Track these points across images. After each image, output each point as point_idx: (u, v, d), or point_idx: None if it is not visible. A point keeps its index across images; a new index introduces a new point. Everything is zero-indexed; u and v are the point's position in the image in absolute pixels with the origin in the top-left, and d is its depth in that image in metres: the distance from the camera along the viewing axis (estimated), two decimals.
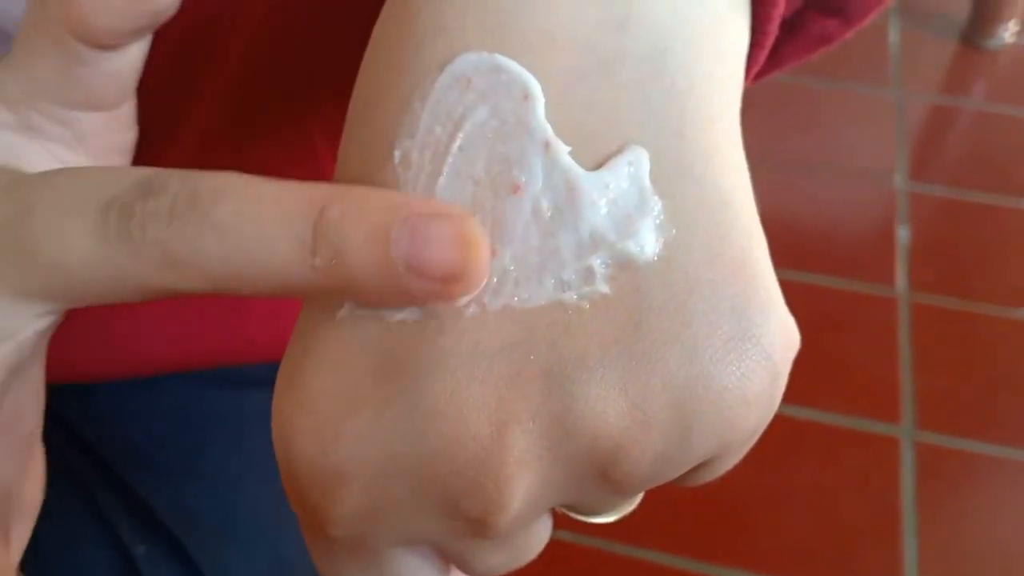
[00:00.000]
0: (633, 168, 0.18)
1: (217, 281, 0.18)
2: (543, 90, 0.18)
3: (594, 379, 0.18)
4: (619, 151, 0.19)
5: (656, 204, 0.18)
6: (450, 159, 0.19)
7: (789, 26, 0.30)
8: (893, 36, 1.74)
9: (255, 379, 0.47)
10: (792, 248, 1.31)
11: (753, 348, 0.18)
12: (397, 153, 0.19)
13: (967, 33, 1.74)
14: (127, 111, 0.25)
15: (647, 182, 0.18)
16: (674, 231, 0.18)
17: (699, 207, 0.18)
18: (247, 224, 0.17)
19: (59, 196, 0.19)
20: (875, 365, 1.21)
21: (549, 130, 0.18)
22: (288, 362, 0.20)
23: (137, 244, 0.18)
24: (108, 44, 0.22)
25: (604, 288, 0.18)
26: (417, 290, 0.17)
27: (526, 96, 0.18)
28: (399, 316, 0.18)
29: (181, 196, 0.18)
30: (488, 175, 0.18)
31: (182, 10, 0.32)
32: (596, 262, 0.18)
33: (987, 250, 1.38)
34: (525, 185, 0.18)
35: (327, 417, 0.18)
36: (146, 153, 0.37)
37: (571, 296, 0.18)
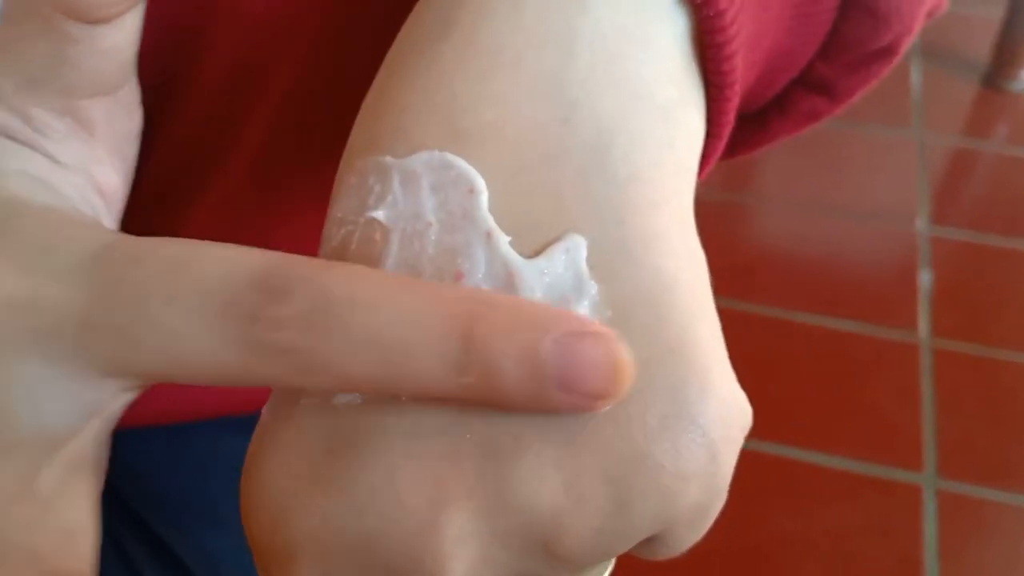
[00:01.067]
0: (570, 254, 0.19)
1: (354, 386, 0.18)
2: (489, 183, 0.19)
3: (529, 457, 0.18)
4: (557, 238, 0.19)
5: (592, 287, 0.19)
6: (395, 247, 0.20)
7: (779, 103, 0.31)
8: (915, 78, 1.74)
9: None
10: (813, 292, 1.31)
11: (688, 426, 0.19)
12: (344, 231, 0.20)
13: (989, 76, 1.74)
14: (129, 93, 0.24)
15: (583, 267, 0.19)
16: (609, 313, 0.19)
17: (636, 290, 0.19)
18: (392, 342, 0.17)
19: (168, 284, 0.19)
20: (897, 412, 1.20)
21: (491, 221, 0.19)
22: (252, 444, 0.20)
23: (266, 350, 0.18)
24: (100, 17, 0.21)
25: None
26: (565, 404, 0.18)
27: (471, 190, 0.19)
28: (346, 399, 0.19)
29: (313, 306, 0.18)
30: (433, 263, 0.19)
31: (219, 59, 0.32)
32: None
33: (1010, 295, 1.37)
34: (468, 272, 0.19)
35: (279, 496, 0.19)
36: (175, 204, 0.37)
37: None
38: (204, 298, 0.18)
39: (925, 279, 1.38)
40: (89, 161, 0.23)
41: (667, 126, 0.21)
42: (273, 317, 0.18)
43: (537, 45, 0.20)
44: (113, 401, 0.20)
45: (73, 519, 0.21)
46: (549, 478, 0.18)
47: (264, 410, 0.21)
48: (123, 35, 0.22)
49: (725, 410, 0.19)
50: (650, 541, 0.20)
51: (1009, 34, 1.70)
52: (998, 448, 1.17)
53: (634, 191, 0.20)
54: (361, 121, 0.22)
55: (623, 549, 0.20)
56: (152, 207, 0.32)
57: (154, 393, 0.45)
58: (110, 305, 0.19)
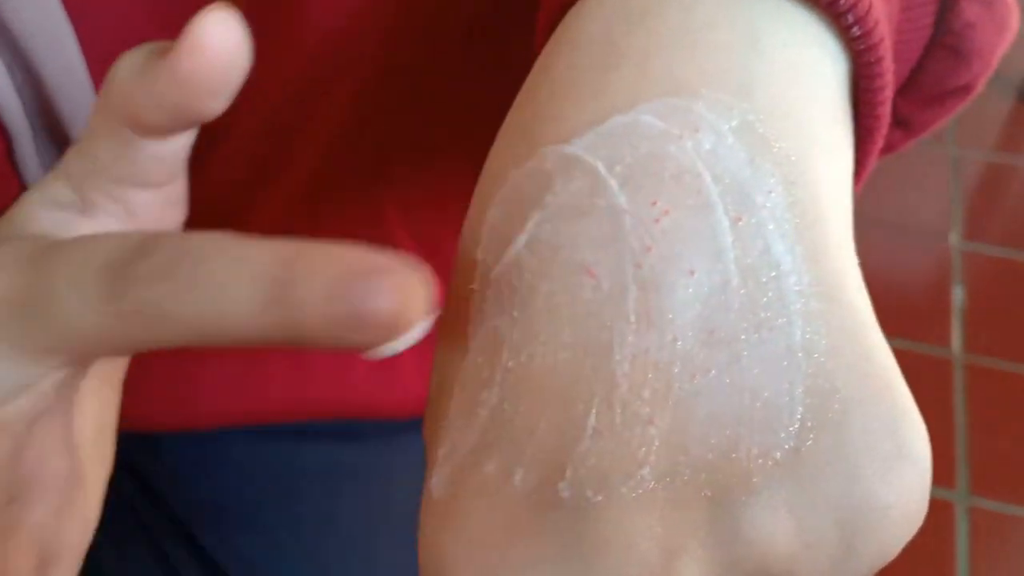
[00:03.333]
0: None
1: (190, 335, 0.19)
2: None
3: (760, 502, 0.18)
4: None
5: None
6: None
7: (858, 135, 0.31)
8: None
9: (314, 434, 0.49)
10: None
11: (911, 466, 0.18)
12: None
13: (1022, 92, 1.74)
14: (176, 189, 0.26)
15: None
16: (824, 342, 0.19)
17: (841, 328, 0.19)
18: (215, 285, 0.19)
19: (68, 259, 0.20)
20: (929, 427, 1.19)
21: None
22: (438, 490, 0.20)
23: (123, 301, 0.19)
24: (155, 135, 0.24)
25: None
26: (360, 337, 0.18)
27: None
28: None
29: (166, 260, 0.19)
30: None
31: (279, 75, 0.33)
32: None
33: None
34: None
35: (487, 548, 0.18)
36: (226, 221, 0.38)
37: None
38: (89, 265, 0.20)
39: (958, 295, 1.37)
40: None
41: (837, 168, 0.21)
42: (137, 274, 0.19)
43: (716, 85, 0.20)
44: (42, 379, 0.22)
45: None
46: (782, 523, 0.18)
47: (432, 483, 0.20)
48: (173, 147, 0.25)
49: (928, 445, 0.19)
50: None
51: None
52: None
53: (820, 231, 0.19)
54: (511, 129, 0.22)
55: None
56: (203, 223, 0.33)
57: (195, 397, 0.46)
58: (26, 287, 0.21)
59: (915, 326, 1.32)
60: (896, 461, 0.18)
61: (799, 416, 0.18)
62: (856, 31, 0.21)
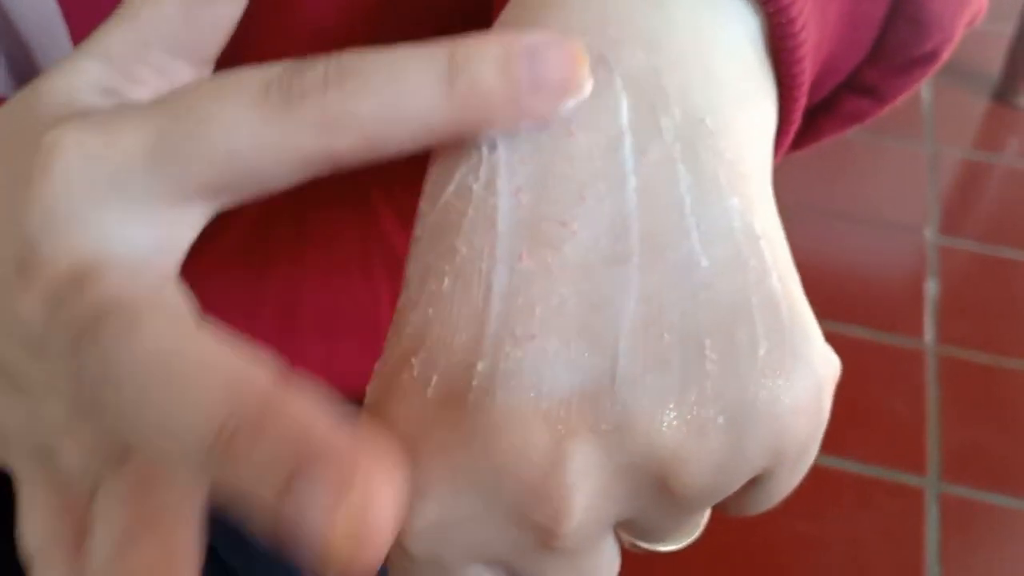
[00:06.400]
0: None
1: (370, 135, 0.20)
2: None
3: (649, 392, 0.19)
4: None
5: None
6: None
7: (826, 104, 0.32)
8: (926, 92, 1.75)
9: None
10: (822, 299, 1.32)
11: (797, 362, 0.20)
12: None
13: (999, 90, 1.76)
14: (210, 70, 0.27)
15: None
16: (712, 261, 0.20)
17: (740, 238, 0.20)
18: (392, 78, 0.20)
19: (218, 89, 0.21)
20: (902, 417, 1.22)
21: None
22: (374, 380, 0.22)
23: (296, 110, 0.20)
24: None
25: None
26: (540, 107, 0.20)
27: None
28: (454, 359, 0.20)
29: (331, 68, 0.20)
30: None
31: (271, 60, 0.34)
32: None
33: (1016, 305, 1.38)
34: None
35: (404, 438, 0.20)
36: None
37: None
38: (243, 88, 0.21)
39: (932, 288, 1.39)
40: None
41: (749, 115, 0.22)
42: (303, 84, 0.20)
43: (625, 41, 0.22)
44: (185, 232, 0.22)
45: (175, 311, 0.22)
46: (669, 413, 0.19)
47: (367, 392, 0.22)
48: (234, 10, 0.25)
49: (825, 353, 0.21)
50: (754, 486, 0.21)
51: (1020, 50, 1.71)
52: (1001, 453, 1.19)
53: (727, 167, 0.21)
54: None
55: (734, 487, 0.21)
56: None
57: None
58: (169, 128, 0.21)
59: (890, 318, 1.34)
60: (784, 358, 0.20)
61: (693, 322, 0.20)
62: None
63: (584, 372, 0.20)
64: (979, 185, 1.61)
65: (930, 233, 1.49)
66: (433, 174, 0.22)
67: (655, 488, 0.20)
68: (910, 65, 0.31)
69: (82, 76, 0.24)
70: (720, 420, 0.19)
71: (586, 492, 0.19)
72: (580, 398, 0.20)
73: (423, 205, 0.22)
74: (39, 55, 0.31)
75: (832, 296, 1.34)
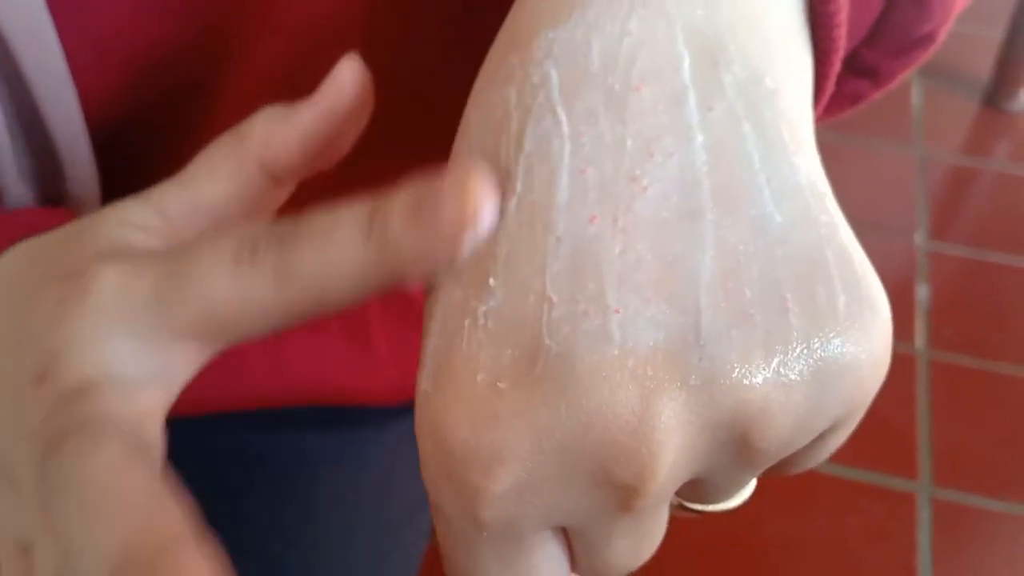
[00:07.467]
0: None
1: (315, 286, 0.22)
2: None
3: (735, 347, 0.19)
4: None
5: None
6: None
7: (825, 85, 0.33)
8: (916, 96, 1.76)
9: (293, 422, 0.49)
10: None
11: (874, 316, 0.20)
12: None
13: (989, 95, 1.76)
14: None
15: None
16: (785, 216, 0.21)
17: (807, 206, 0.21)
18: (327, 232, 0.22)
19: (211, 243, 0.23)
20: (894, 421, 1.22)
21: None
22: (430, 359, 0.21)
23: (257, 264, 0.22)
24: (282, 180, 0.27)
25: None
26: (443, 249, 0.21)
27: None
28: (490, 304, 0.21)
29: (288, 227, 0.22)
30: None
31: (255, 67, 0.33)
32: None
33: (1006, 310, 1.39)
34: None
35: (480, 402, 0.20)
36: None
37: None
38: (225, 246, 0.23)
39: (923, 292, 1.40)
40: None
41: (799, 77, 0.23)
42: (261, 242, 0.22)
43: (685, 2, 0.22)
44: (182, 368, 0.24)
45: (153, 433, 0.24)
46: (757, 366, 0.19)
47: (430, 326, 0.22)
48: (280, 196, 0.28)
49: (886, 300, 0.21)
50: (819, 440, 0.22)
51: (1009, 54, 1.71)
52: (992, 457, 1.19)
53: (789, 126, 0.21)
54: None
55: (808, 440, 0.21)
56: None
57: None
58: (171, 274, 0.23)
59: None
60: (862, 310, 0.20)
61: (772, 276, 0.20)
62: None
63: (667, 328, 0.20)
64: (969, 190, 1.61)
65: (920, 238, 1.49)
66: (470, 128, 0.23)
67: (736, 443, 0.20)
68: (909, 47, 0.31)
69: (132, 220, 0.26)
70: (806, 373, 0.20)
71: (673, 448, 0.20)
72: (665, 354, 0.19)
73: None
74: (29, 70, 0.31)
75: None
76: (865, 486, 1.15)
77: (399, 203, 0.21)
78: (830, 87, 0.26)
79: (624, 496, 0.20)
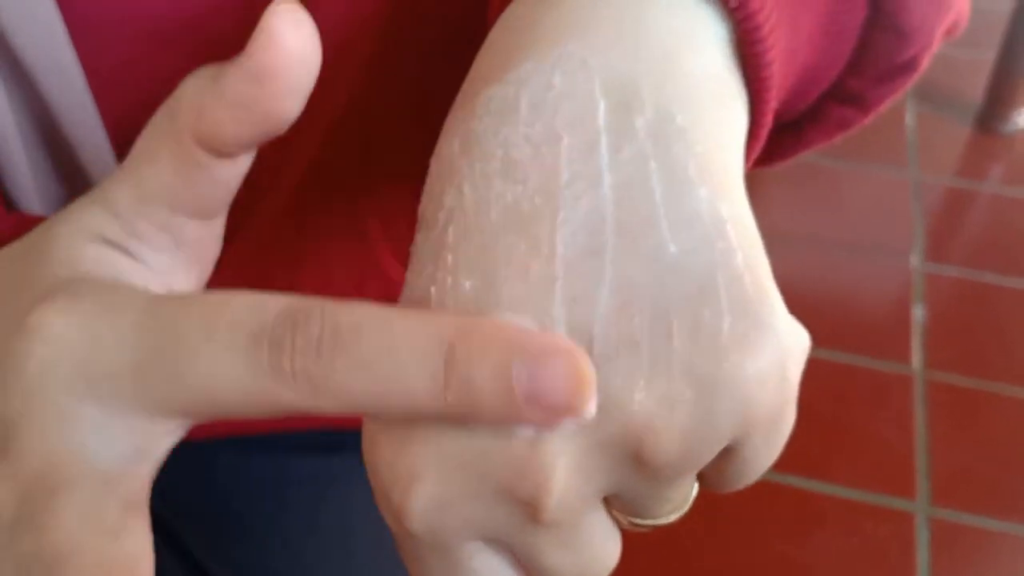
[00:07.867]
0: None
1: (357, 407, 0.21)
2: None
3: (620, 372, 0.20)
4: None
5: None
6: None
7: (813, 113, 0.34)
8: (910, 120, 1.77)
9: (299, 445, 0.50)
10: (810, 325, 1.32)
11: (761, 334, 0.21)
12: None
13: (982, 118, 1.77)
14: (219, 225, 0.27)
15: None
16: (680, 246, 0.21)
17: (708, 223, 0.21)
18: (386, 361, 0.20)
19: (207, 325, 0.21)
20: (891, 441, 1.22)
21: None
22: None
23: (284, 372, 0.20)
24: (228, 153, 0.24)
25: None
26: (533, 417, 0.20)
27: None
28: None
29: (326, 332, 0.20)
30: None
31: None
32: None
33: (1002, 330, 1.39)
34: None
35: (400, 427, 0.21)
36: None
37: None
38: (235, 332, 0.20)
39: (919, 313, 1.40)
40: (171, 270, 0.26)
41: (718, 113, 0.23)
42: (295, 346, 0.20)
43: (608, 47, 0.23)
44: (162, 442, 0.22)
45: (135, 552, 0.22)
46: (639, 387, 0.20)
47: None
48: (236, 170, 0.25)
49: (791, 326, 0.22)
50: (729, 457, 0.22)
51: (1002, 76, 1.73)
52: (989, 476, 1.19)
53: (697, 159, 0.22)
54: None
55: (708, 457, 0.22)
56: None
57: None
58: (159, 348, 0.21)
59: (878, 343, 1.35)
60: (751, 330, 0.21)
61: (663, 304, 0.21)
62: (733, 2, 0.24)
63: None
64: (964, 211, 1.62)
65: (916, 259, 1.50)
66: (431, 176, 0.24)
67: (632, 461, 0.21)
68: (892, 73, 0.32)
69: (87, 227, 0.24)
70: (688, 393, 0.21)
71: (565, 468, 0.21)
72: None
73: (422, 207, 0.24)
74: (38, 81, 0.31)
75: (820, 323, 1.34)
76: (863, 506, 1.15)
77: (489, 352, 0.20)
78: (767, 122, 0.26)
79: (529, 511, 0.21)
